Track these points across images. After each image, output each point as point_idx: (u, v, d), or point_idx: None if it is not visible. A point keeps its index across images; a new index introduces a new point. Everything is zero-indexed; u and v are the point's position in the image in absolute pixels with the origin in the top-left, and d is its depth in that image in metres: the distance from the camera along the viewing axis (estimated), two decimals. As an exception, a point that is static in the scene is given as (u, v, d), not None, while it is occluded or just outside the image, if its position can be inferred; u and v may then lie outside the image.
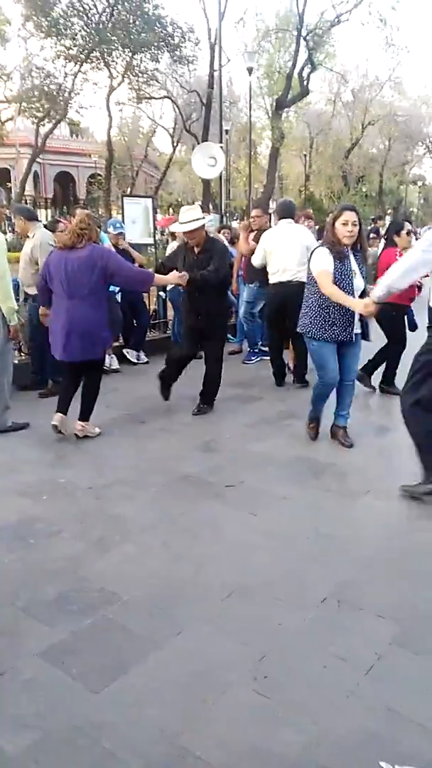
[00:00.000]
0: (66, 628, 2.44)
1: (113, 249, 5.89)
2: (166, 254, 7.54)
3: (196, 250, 4.91)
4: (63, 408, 4.55)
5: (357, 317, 4.11)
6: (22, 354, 6.23)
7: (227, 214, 17.02)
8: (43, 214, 30.66)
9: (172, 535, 3.20)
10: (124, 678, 2.18)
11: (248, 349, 7.15)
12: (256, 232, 6.86)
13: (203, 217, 4.87)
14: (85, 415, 4.56)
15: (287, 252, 5.73)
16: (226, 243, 7.52)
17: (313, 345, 4.24)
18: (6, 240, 4.78)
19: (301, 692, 2.11)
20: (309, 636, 2.40)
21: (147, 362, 6.87)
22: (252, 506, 3.51)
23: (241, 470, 4.00)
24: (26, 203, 23.86)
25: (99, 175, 30.82)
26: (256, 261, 6.08)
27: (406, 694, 2.10)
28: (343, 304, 3.97)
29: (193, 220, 4.77)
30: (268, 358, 7.07)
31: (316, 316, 4.14)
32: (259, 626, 2.46)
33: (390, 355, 5.62)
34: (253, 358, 7.03)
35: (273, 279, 5.90)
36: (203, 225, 4.85)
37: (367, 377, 5.74)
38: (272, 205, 21.80)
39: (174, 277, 4.69)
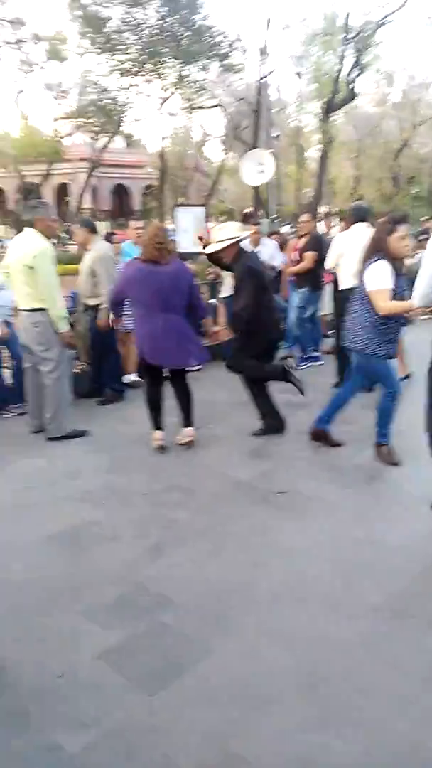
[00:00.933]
0: (122, 631, 2.51)
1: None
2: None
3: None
4: (159, 425, 4.60)
5: None
6: (82, 363, 6.43)
7: (277, 220, 17.00)
8: (101, 227, 31.45)
9: (224, 541, 3.24)
10: (178, 682, 2.23)
11: (299, 355, 7.13)
12: (305, 237, 6.87)
13: (235, 237, 4.75)
14: (190, 421, 4.63)
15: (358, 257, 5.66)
16: (273, 247, 7.56)
17: (374, 362, 4.12)
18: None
19: (353, 701, 2.11)
20: (360, 645, 2.40)
21: (200, 369, 6.94)
22: (303, 513, 3.52)
23: (293, 476, 4.01)
24: (83, 216, 24.39)
25: (153, 186, 31.37)
26: (328, 264, 6.08)
27: (461, 706, 2.07)
28: (400, 312, 3.90)
29: (221, 240, 4.74)
30: (320, 363, 7.04)
31: (372, 332, 4.00)
32: (310, 634, 2.47)
33: None
34: (303, 363, 7.01)
35: (346, 283, 5.75)
36: (232, 244, 4.72)
37: None
38: (322, 210, 21.67)
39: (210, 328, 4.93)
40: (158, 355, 4.42)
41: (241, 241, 4.83)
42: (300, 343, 7.12)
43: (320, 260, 6.58)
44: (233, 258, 4.81)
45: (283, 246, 8.35)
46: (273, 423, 4.90)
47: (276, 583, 2.83)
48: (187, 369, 4.70)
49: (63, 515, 3.58)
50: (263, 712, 2.08)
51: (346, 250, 5.77)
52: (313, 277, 6.73)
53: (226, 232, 4.83)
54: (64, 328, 4.77)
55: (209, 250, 4.88)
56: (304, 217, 7.09)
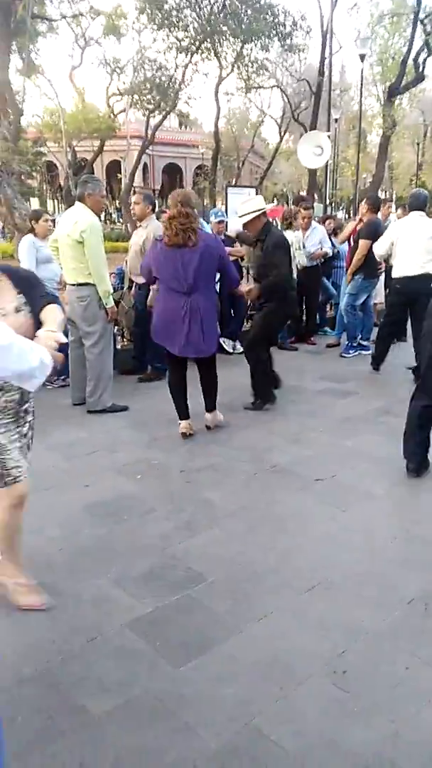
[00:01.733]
0: (152, 602, 2.54)
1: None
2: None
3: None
4: (185, 414, 4.45)
5: None
6: (125, 340, 6.48)
7: (332, 204, 16.71)
8: (150, 205, 31.51)
9: (258, 523, 3.23)
10: (205, 656, 2.24)
11: (346, 343, 7.01)
12: (362, 223, 6.72)
13: (261, 209, 4.77)
14: (212, 406, 4.50)
15: (414, 245, 5.51)
16: (322, 232, 7.41)
17: None
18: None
19: (380, 691, 2.08)
20: (392, 636, 2.36)
21: (242, 352, 6.91)
22: (341, 501, 3.47)
23: (332, 464, 3.96)
24: (135, 194, 24.33)
25: (205, 165, 31.19)
26: (378, 251, 5.93)
27: None
28: None
29: (246, 214, 4.72)
30: (368, 352, 6.92)
31: None
32: (341, 621, 2.44)
33: None
34: (351, 351, 6.89)
35: (398, 273, 5.69)
36: (258, 216, 4.75)
37: None
38: (381, 195, 21.17)
39: (240, 291, 4.83)
40: (182, 345, 4.16)
41: (265, 212, 4.82)
42: (349, 331, 6.99)
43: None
44: (260, 231, 4.81)
45: (336, 231, 8.19)
46: (266, 398, 5.08)
47: (308, 568, 2.81)
48: (214, 356, 4.45)
49: (100, 486, 3.63)
50: (289, 694, 2.07)
51: (400, 237, 5.63)
52: (368, 265, 6.57)
53: (250, 205, 4.80)
54: (109, 304, 4.80)
55: (234, 225, 4.90)
56: (365, 203, 6.91)
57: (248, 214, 4.74)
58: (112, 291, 4.93)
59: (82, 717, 1.97)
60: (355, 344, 6.93)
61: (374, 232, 6.45)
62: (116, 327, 5.81)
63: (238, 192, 10.07)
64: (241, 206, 4.90)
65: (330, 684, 2.11)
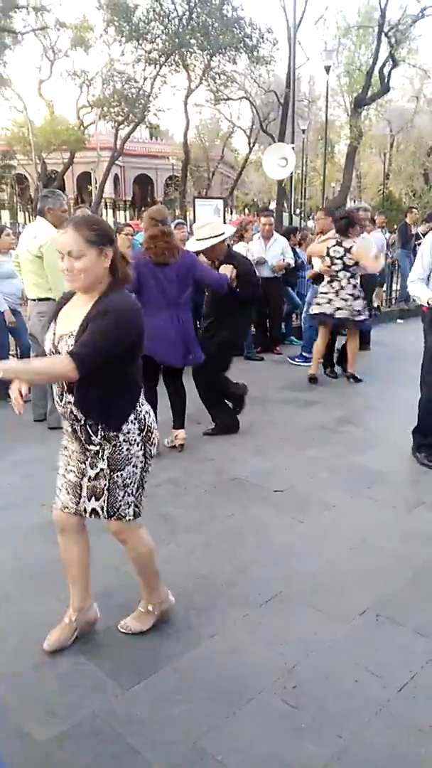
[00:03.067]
0: (104, 623, 2.51)
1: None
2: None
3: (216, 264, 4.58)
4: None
5: None
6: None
7: (301, 215, 16.86)
8: (122, 216, 31.51)
9: (217, 537, 3.23)
10: (155, 676, 2.22)
11: (302, 353, 7.04)
12: (321, 234, 6.79)
13: (221, 233, 4.49)
14: (182, 422, 4.46)
15: None
16: (284, 242, 7.45)
17: None
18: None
19: (330, 705, 2.09)
20: (344, 648, 2.37)
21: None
22: (300, 513, 3.49)
23: (292, 475, 3.98)
24: (106, 205, 24.42)
25: (176, 176, 31.31)
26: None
27: (437, 717, 2.03)
28: None
29: (209, 238, 4.45)
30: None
31: None
32: (295, 635, 2.45)
33: None
34: (297, 359, 6.94)
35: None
36: (221, 241, 4.49)
37: None
38: (349, 204, 21.44)
39: (227, 269, 4.40)
40: (171, 355, 4.19)
41: (226, 239, 4.55)
42: (304, 339, 7.05)
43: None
44: (222, 260, 4.50)
45: (301, 242, 8.27)
46: (227, 423, 4.79)
47: (265, 582, 2.81)
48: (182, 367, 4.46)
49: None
50: (238, 711, 2.06)
51: None
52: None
53: (207, 230, 4.47)
54: None
55: (195, 247, 4.49)
56: (319, 214, 7.02)
57: (206, 239, 4.43)
58: None
59: (26, 743, 1.93)
60: (307, 354, 6.98)
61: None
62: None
63: (206, 203, 10.10)
64: (198, 230, 4.58)
65: (279, 700, 2.11)
